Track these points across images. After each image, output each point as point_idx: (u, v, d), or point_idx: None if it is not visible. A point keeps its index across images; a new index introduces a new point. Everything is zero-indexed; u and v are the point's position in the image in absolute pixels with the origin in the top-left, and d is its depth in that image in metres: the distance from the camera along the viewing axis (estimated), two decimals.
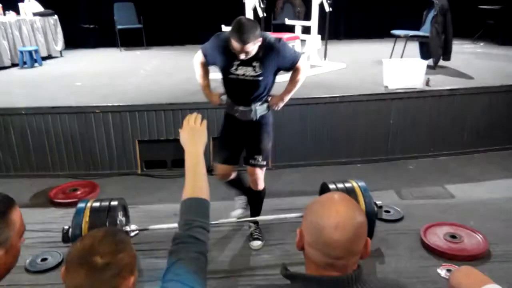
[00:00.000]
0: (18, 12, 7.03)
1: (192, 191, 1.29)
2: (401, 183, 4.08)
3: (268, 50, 2.64)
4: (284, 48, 2.71)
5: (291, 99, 4.26)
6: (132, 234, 3.22)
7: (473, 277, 1.29)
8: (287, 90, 2.90)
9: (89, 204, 2.76)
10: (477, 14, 7.89)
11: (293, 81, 2.86)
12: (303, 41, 6.22)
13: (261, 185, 3.07)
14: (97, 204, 2.78)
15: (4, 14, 6.83)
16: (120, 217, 2.95)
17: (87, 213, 2.70)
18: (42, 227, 3.40)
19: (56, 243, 3.17)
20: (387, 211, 3.41)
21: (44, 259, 2.97)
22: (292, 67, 2.78)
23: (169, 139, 4.32)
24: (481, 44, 7.78)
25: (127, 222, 3.11)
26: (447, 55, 5.57)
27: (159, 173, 4.41)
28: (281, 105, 2.94)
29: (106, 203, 2.79)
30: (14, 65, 6.53)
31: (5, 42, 6.38)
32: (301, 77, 2.84)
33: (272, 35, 2.74)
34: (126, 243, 1.15)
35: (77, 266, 1.07)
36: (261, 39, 2.56)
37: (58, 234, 3.27)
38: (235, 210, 3.28)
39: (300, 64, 2.78)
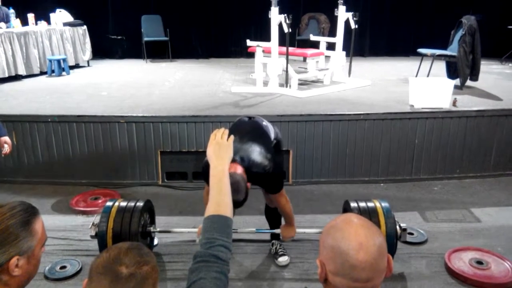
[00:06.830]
0: (49, 22, 7.22)
1: (215, 208, 1.28)
2: (425, 204, 3.98)
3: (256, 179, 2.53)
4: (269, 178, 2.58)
5: (314, 115, 4.22)
6: (155, 240, 3.27)
7: None
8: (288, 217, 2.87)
9: (116, 203, 2.95)
10: (506, 34, 7.77)
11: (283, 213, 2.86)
12: (327, 57, 6.21)
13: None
14: (124, 203, 2.97)
15: (36, 24, 7.02)
16: (145, 218, 3.04)
17: (114, 210, 2.89)
18: (63, 235, 3.42)
19: (76, 251, 3.20)
20: (411, 233, 3.33)
21: (63, 267, 2.98)
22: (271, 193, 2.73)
23: (191, 151, 4.33)
24: (510, 65, 7.63)
25: (152, 223, 3.18)
26: (474, 76, 5.46)
27: (180, 185, 4.41)
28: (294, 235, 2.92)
29: (133, 203, 2.97)
30: (42, 73, 6.68)
31: (36, 50, 6.54)
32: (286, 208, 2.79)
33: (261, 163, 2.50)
34: (151, 257, 1.15)
35: (101, 275, 1.07)
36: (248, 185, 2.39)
37: (78, 242, 3.32)
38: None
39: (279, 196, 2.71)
